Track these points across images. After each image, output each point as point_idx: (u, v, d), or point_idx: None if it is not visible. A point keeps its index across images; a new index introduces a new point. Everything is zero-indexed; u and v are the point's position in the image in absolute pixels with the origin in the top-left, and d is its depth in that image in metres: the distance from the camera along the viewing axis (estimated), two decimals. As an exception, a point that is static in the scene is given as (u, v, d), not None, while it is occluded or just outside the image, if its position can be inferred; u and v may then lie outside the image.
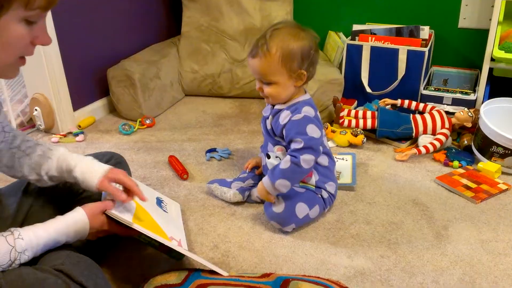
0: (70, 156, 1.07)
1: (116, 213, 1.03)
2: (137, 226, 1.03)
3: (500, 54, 1.71)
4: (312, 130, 1.24)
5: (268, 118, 1.33)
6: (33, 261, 0.91)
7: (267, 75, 1.24)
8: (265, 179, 1.25)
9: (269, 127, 1.33)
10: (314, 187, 1.33)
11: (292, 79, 1.25)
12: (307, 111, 1.26)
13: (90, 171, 1.05)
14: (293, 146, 1.23)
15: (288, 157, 1.22)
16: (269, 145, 1.35)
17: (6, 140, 1.06)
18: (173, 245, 1.07)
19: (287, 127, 1.25)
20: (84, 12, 1.90)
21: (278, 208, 1.26)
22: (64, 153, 1.08)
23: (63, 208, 1.12)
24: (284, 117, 1.27)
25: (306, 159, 1.21)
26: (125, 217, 1.03)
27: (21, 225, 0.94)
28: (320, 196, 1.33)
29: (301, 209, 1.28)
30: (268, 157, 1.35)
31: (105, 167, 1.07)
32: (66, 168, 1.06)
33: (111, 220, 1.03)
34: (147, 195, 1.25)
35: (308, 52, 1.23)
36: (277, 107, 1.31)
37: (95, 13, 1.96)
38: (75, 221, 0.97)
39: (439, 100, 1.92)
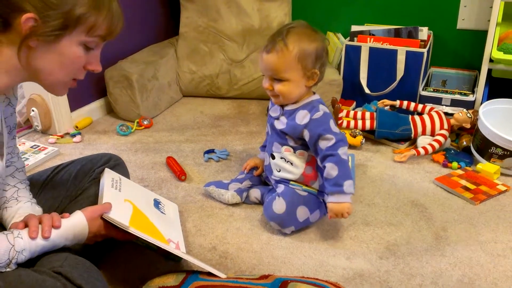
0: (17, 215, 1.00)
1: (112, 216, 1.02)
2: (133, 230, 1.02)
3: (498, 55, 1.71)
4: (334, 126, 1.26)
5: (278, 118, 1.32)
6: (32, 263, 0.90)
7: (281, 71, 1.23)
8: (333, 198, 1.20)
9: (279, 127, 1.30)
10: (316, 191, 1.32)
11: (305, 78, 1.25)
12: (324, 108, 1.27)
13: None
14: (325, 144, 1.22)
15: (330, 164, 1.21)
16: (275, 146, 1.33)
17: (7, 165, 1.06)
18: (170, 248, 1.06)
19: (311, 126, 1.24)
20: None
21: (280, 209, 1.25)
22: (17, 210, 1.01)
23: (60, 210, 1.12)
24: (302, 117, 1.26)
25: (344, 151, 1.23)
26: (122, 221, 1.02)
27: None
28: (322, 200, 1.32)
29: (302, 213, 1.27)
30: (273, 157, 1.35)
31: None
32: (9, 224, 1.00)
33: (108, 224, 1.02)
34: (144, 197, 1.25)
35: (321, 53, 1.25)
36: (288, 108, 1.29)
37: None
38: (74, 224, 0.96)
39: (438, 101, 1.92)
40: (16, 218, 1.00)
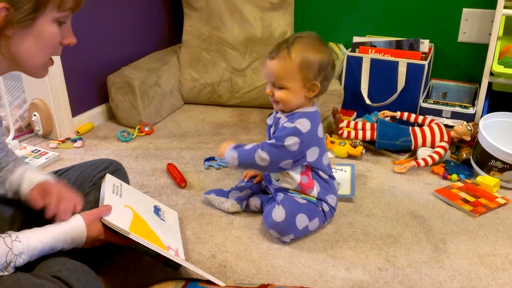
0: (28, 174, 1.05)
1: (112, 221, 1.02)
2: (133, 235, 1.02)
3: (499, 69, 1.72)
4: (291, 143, 1.23)
5: (272, 126, 1.34)
6: (30, 267, 0.90)
7: (281, 79, 1.24)
8: (231, 150, 1.29)
9: (272, 134, 1.33)
10: (315, 199, 1.32)
11: (305, 89, 1.25)
12: (301, 122, 1.25)
13: (26, 183, 1.04)
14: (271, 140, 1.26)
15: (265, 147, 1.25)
16: None
17: None
18: (170, 254, 1.06)
19: (278, 130, 1.28)
20: (85, 19, 1.91)
21: (279, 217, 1.26)
22: (25, 170, 1.06)
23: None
24: (281, 124, 1.28)
25: (266, 154, 1.24)
26: (122, 226, 1.02)
27: (18, 231, 0.93)
28: (320, 209, 1.32)
29: (301, 221, 1.27)
30: None
31: (42, 179, 1.04)
32: (20, 185, 1.04)
33: (108, 229, 1.02)
34: (144, 203, 1.25)
35: (326, 66, 1.25)
36: (278, 115, 1.31)
37: (96, 19, 1.97)
38: (73, 227, 0.97)
39: (438, 113, 1.93)
40: (28, 183, 1.03)
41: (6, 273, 0.86)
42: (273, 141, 1.25)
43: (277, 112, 1.33)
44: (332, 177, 1.38)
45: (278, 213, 1.26)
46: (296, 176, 1.31)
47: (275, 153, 1.24)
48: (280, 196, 1.33)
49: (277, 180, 1.35)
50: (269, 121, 1.37)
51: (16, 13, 0.82)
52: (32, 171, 1.07)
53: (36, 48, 0.89)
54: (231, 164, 1.30)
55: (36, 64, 0.92)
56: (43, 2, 0.84)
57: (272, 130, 1.34)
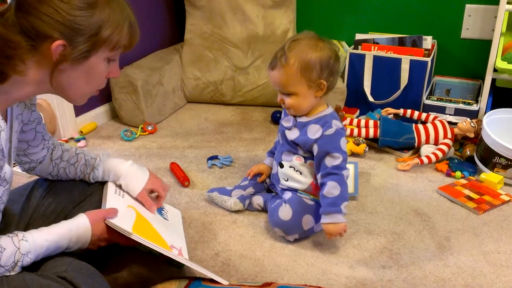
0: (114, 165, 1.17)
1: (115, 222, 1.02)
2: (135, 236, 1.02)
3: (503, 65, 1.71)
4: (344, 144, 1.26)
5: (290, 129, 1.31)
6: (35, 267, 0.90)
7: (286, 86, 1.24)
8: (329, 218, 1.21)
9: (291, 137, 1.30)
10: None
11: (312, 89, 1.24)
12: (337, 124, 1.26)
13: (133, 184, 1.17)
14: (332, 162, 1.23)
15: (333, 182, 1.22)
16: (285, 155, 1.33)
17: (47, 147, 1.13)
18: (172, 254, 1.06)
19: (321, 142, 1.24)
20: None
21: (285, 216, 1.26)
22: (108, 162, 1.17)
23: (63, 215, 1.12)
24: (314, 132, 1.25)
25: (346, 174, 1.24)
26: (125, 227, 1.02)
27: (24, 230, 0.93)
28: None
29: (307, 221, 1.27)
30: (282, 166, 1.34)
31: (144, 180, 1.18)
32: (113, 177, 1.18)
33: (112, 228, 1.03)
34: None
35: (327, 62, 1.23)
36: (301, 119, 1.29)
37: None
38: (78, 226, 0.97)
39: (441, 110, 1.92)
40: (136, 184, 1.16)
41: (13, 273, 0.86)
42: (334, 160, 1.22)
43: (295, 116, 1.31)
44: None
45: (285, 212, 1.26)
46: (310, 175, 1.30)
47: (345, 162, 1.25)
48: (288, 194, 1.32)
49: (286, 180, 1.34)
50: (286, 123, 1.33)
51: (72, 51, 0.85)
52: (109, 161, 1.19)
53: (83, 82, 0.92)
54: (343, 218, 1.23)
55: (78, 95, 0.96)
56: (99, 44, 0.88)
57: (292, 133, 1.30)
